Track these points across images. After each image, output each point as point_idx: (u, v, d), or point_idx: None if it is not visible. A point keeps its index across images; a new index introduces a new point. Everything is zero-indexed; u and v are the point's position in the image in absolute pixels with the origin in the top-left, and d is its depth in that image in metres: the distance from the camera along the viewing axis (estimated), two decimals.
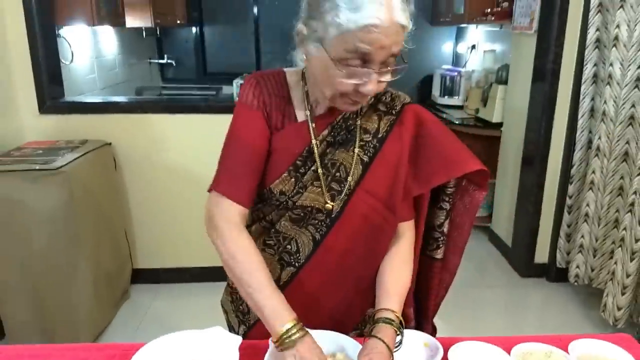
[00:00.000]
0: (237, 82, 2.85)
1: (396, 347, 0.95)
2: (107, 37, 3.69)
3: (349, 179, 1.02)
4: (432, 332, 1.22)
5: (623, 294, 2.39)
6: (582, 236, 2.72)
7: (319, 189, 1.02)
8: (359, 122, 1.05)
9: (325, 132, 1.03)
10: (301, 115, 1.04)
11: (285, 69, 1.09)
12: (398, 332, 0.97)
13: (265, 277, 0.96)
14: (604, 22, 2.51)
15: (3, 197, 2.11)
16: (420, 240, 1.13)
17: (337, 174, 1.02)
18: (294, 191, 1.02)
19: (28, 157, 2.28)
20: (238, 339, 0.97)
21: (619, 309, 2.41)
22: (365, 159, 1.03)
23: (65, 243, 2.21)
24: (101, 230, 2.47)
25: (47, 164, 2.15)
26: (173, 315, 2.69)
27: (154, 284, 2.92)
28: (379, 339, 0.93)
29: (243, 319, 1.15)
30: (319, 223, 1.03)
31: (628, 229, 2.35)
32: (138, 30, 4.18)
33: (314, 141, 1.02)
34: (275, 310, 0.93)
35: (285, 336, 0.90)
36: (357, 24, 0.84)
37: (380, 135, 1.05)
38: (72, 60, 3.01)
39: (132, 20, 3.43)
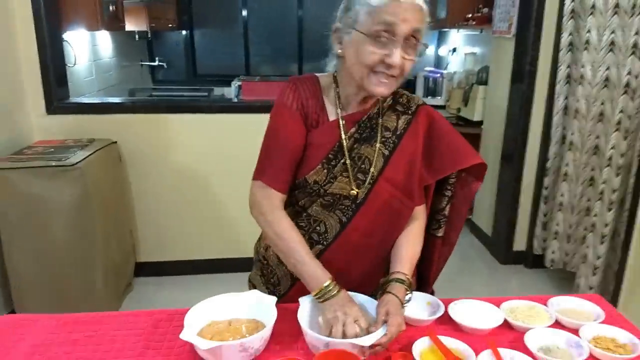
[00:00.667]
0: (235, 83, 3.01)
1: (406, 302, 1.13)
2: (104, 41, 3.81)
3: (372, 169, 1.19)
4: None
5: (594, 274, 2.62)
6: (557, 224, 2.95)
7: (347, 179, 1.18)
8: (380, 121, 1.21)
9: (353, 129, 1.19)
10: (332, 114, 1.20)
11: (317, 74, 1.25)
12: (408, 291, 1.15)
13: (305, 249, 1.15)
14: (576, 27, 2.74)
15: (21, 192, 2.23)
16: (425, 221, 1.31)
17: (362, 165, 1.19)
18: (326, 180, 1.18)
19: (41, 154, 2.40)
20: (274, 298, 1.14)
21: (590, 288, 2.64)
22: (386, 152, 1.20)
23: (80, 235, 2.34)
24: (109, 223, 2.60)
25: (62, 161, 2.29)
26: (176, 305, 2.81)
27: (156, 277, 3.05)
28: (394, 294, 1.11)
29: (273, 290, 1.32)
30: (346, 208, 1.20)
31: (598, 215, 2.58)
32: (131, 33, 4.30)
33: (343, 137, 1.18)
34: (316, 273, 1.12)
35: (325, 291, 1.09)
36: (384, 0, 1.03)
37: (398, 132, 1.22)
38: (75, 63, 3.13)
39: (130, 25, 3.57)
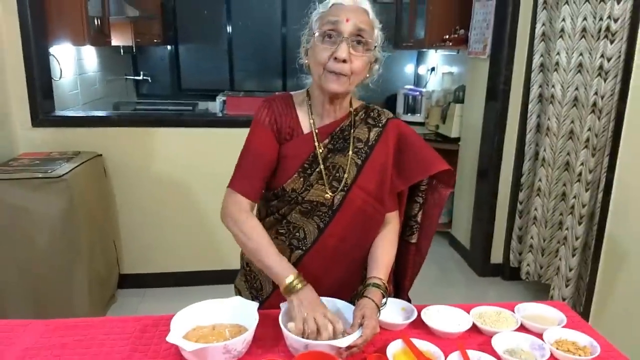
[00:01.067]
0: (220, 98, 3.08)
1: (382, 306, 1.21)
2: (89, 55, 3.85)
3: (346, 177, 1.28)
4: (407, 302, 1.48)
5: (567, 286, 2.72)
6: (532, 237, 3.05)
7: (322, 186, 1.27)
8: (353, 133, 1.31)
9: (326, 140, 1.29)
10: (306, 128, 1.29)
11: (292, 92, 1.35)
12: (384, 295, 1.22)
13: (271, 246, 1.22)
14: (547, 49, 2.88)
15: (6, 203, 2.26)
16: (400, 228, 1.40)
17: (337, 174, 1.28)
18: (303, 188, 1.27)
19: (27, 166, 2.44)
20: (255, 304, 1.20)
21: (563, 299, 2.73)
22: (359, 162, 1.29)
23: (64, 246, 2.37)
24: (94, 235, 2.63)
25: (48, 173, 2.32)
26: None
27: (140, 289, 3.08)
28: (370, 298, 1.18)
29: (256, 294, 1.39)
30: (323, 214, 1.29)
31: (570, 229, 2.69)
32: (117, 48, 4.35)
33: (317, 147, 1.27)
34: (281, 268, 1.19)
35: (290, 286, 1.16)
36: (328, 5, 1.21)
37: (370, 143, 1.31)
38: (60, 77, 3.17)
39: (116, 40, 3.62)
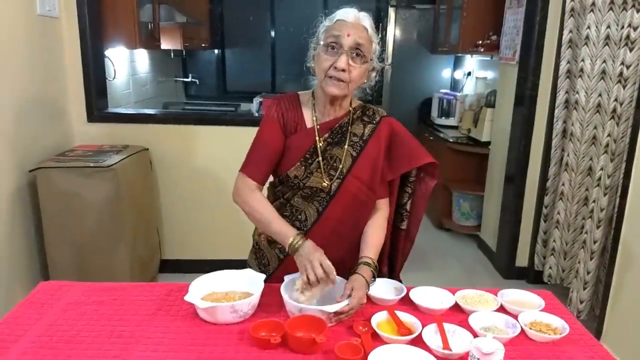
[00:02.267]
0: (257, 99, 3.30)
1: (372, 282, 1.36)
2: (141, 58, 4.17)
3: (342, 167, 1.45)
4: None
5: (585, 288, 2.77)
6: (554, 241, 3.10)
7: (321, 174, 1.45)
8: (350, 129, 1.48)
9: (326, 135, 1.47)
10: (309, 123, 1.48)
11: (299, 92, 1.54)
12: (373, 272, 1.38)
13: (274, 214, 1.42)
14: (574, 56, 2.93)
15: (61, 189, 2.54)
16: (392, 216, 1.57)
17: (334, 164, 1.46)
18: (304, 175, 1.45)
19: (81, 157, 2.72)
20: (263, 276, 1.39)
21: (581, 302, 2.78)
22: (354, 153, 1.46)
23: (110, 230, 2.63)
24: (138, 221, 2.89)
25: (99, 163, 2.59)
26: None
27: (178, 273, 3.33)
28: (360, 274, 1.35)
29: (264, 269, 1.57)
30: (322, 199, 1.47)
31: (589, 233, 2.74)
32: (167, 51, 4.67)
33: (317, 140, 1.45)
34: (283, 230, 1.39)
35: (292, 244, 1.35)
36: (333, 20, 1.38)
37: (364, 138, 1.48)
38: (114, 77, 3.48)
39: (166, 44, 3.91)
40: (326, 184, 1.45)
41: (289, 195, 1.49)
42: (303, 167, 1.45)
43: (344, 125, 1.48)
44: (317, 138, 1.45)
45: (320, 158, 1.44)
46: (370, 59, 1.40)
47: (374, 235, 1.48)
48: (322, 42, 1.38)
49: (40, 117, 2.70)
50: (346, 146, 1.46)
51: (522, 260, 3.50)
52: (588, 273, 2.74)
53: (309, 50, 1.46)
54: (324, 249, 1.45)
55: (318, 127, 1.46)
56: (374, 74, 1.45)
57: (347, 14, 1.37)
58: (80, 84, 3.03)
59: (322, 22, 1.42)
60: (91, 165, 2.57)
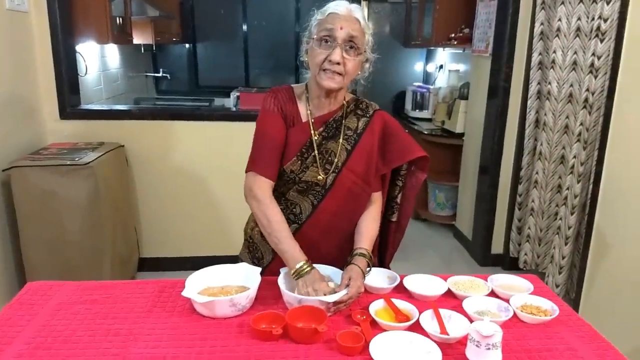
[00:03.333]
0: (234, 94, 3.27)
1: (367, 272, 1.38)
2: (112, 53, 4.08)
3: (337, 161, 1.46)
4: None
5: (560, 273, 2.86)
6: (529, 228, 3.19)
7: (317, 168, 1.45)
8: (344, 122, 1.49)
9: (321, 129, 1.46)
10: (304, 117, 1.47)
11: (293, 85, 1.53)
12: (369, 263, 1.40)
13: (288, 232, 1.40)
14: (545, 48, 3.01)
15: (37, 188, 2.48)
16: (383, 208, 1.58)
17: (329, 157, 1.46)
18: (300, 170, 1.45)
19: (56, 155, 2.65)
20: (259, 269, 1.39)
21: (557, 286, 2.88)
22: (349, 147, 1.47)
23: (89, 228, 2.58)
24: (116, 219, 2.83)
25: (75, 160, 2.53)
26: None
27: (157, 272, 3.29)
28: (356, 264, 1.37)
29: (258, 263, 1.57)
30: (317, 193, 1.47)
31: (563, 219, 2.83)
32: (138, 46, 4.58)
33: (313, 134, 1.45)
34: (294, 254, 1.36)
35: (299, 269, 1.33)
36: (325, 13, 1.38)
37: (358, 131, 1.49)
38: (86, 73, 3.39)
39: (137, 38, 3.84)
40: (322, 178, 1.45)
41: (284, 190, 1.49)
42: (299, 162, 1.45)
43: (337, 118, 1.48)
44: (312, 132, 1.45)
45: (316, 152, 1.45)
46: (364, 51, 1.40)
47: (369, 227, 1.50)
48: (315, 36, 1.37)
49: (11, 115, 2.62)
50: (341, 140, 1.47)
51: (497, 247, 3.59)
52: (563, 258, 2.84)
53: (302, 45, 1.45)
54: (318, 242, 1.46)
55: (313, 121, 1.46)
56: (367, 65, 1.45)
57: (339, 6, 1.37)
58: (52, 80, 2.96)
59: (314, 15, 1.41)
60: (67, 163, 2.51)
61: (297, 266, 1.34)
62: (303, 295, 1.29)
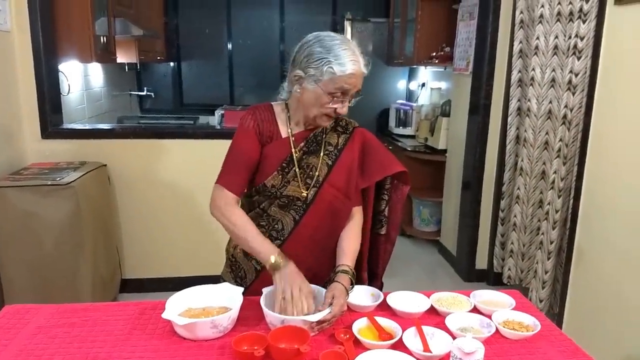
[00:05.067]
0: (219, 112, 3.28)
1: (350, 289, 1.38)
2: (95, 72, 4.07)
3: (318, 175, 1.47)
4: (381, 287, 1.69)
5: (543, 288, 2.88)
6: (512, 243, 3.21)
7: (297, 183, 1.46)
8: (324, 138, 1.51)
9: (302, 144, 1.48)
10: (284, 133, 1.49)
11: (272, 103, 1.54)
12: (351, 279, 1.40)
13: (255, 231, 1.42)
14: (524, 66, 3.06)
15: (18, 208, 2.45)
16: (370, 222, 1.60)
17: (310, 172, 1.47)
18: (281, 184, 1.46)
19: (37, 175, 2.62)
20: (240, 289, 1.38)
21: (540, 301, 2.89)
22: (329, 162, 1.49)
23: (70, 249, 2.55)
24: (98, 240, 2.80)
25: (57, 180, 2.51)
26: None
27: (140, 293, 3.24)
28: (339, 282, 1.37)
29: (241, 282, 1.56)
30: (298, 208, 1.48)
31: (545, 234, 2.86)
32: (121, 64, 4.57)
33: (293, 151, 1.46)
34: (266, 249, 1.38)
35: (274, 264, 1.35)
36: (345, 73, 1.34)
37: (339, 147, 1.51)
38: (68, 92, 3.38)
39: (121, 57, 3.84)
40: (304, 193, 1.46)
41: (266, 205, 1.50)
42: (280, 176, 1.46)
43: (318, 134, 1.50)
44: (292, 148, 1.46)
45: (296, 167, 1.46)
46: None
47: (350, 243, 1.51)
48: (324, 88, 1.36)
49: None
50: (322, 155, 1.49)
51: (481, 263, 3.61)
52: (546, 273, 2.86)
53: (296, 77, 1.40)
54: (301, 256, 1.46)
55: (293, 138, 1.48)
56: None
57: (355, 65, 1.35)
58: (34, 99, 2.94)
59: (325, 64, 1.34)
60: (49, 183, 2.49)
61: (272, 260, 1.36)
62: (283, 293, 1.31)
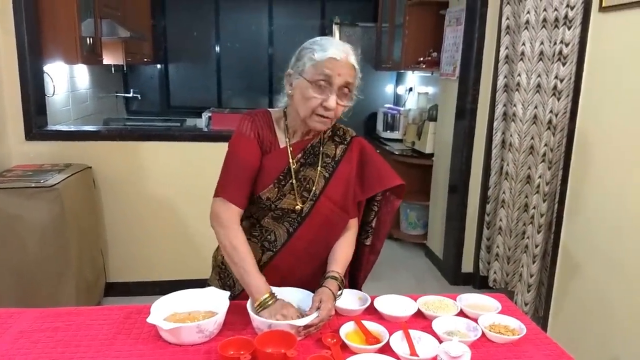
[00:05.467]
0: (206, 114, 3.26)
1: (338, 295, 1.38)
2: (81, 73, 4.03)
3: (314, 188, 1.44)
4: None
5: (529, 291, 2.90)
6: (498, 246, 3.24)
7: (294, 196, 1.43)
8: (322, 149, 1.47)
9: (299, 155, 1.45)
10: (282, 142, 1.45)
11: (270, 109, 1.50)
12: (340, 286, 1.40)
13: (253, 263, 1.37)
14: (510, 71, 3.10)
15: (1, 211, 2.41)
16: (357, 231, 1.57)
17: (307, 185, 1.44)
18: (277, 197, 1.43)
19: (21, 177, 2.58)
20: (227, 293, 1.37)
21: (525, 304, 2.91)
22: (326, 174, 1.46)
23: (54, 252, 2.51)
24: (83, 243, 2.76)
25: (41, 182, 2.48)
26: None
27: (124, 297, 3.20)
28: (327, 287, 1.36)
29: (230, 290, 1.52)
30: (293, 220, 1.45)
31: (530, 238, 2.88)
32: (108, 66, 4.54)
33: (291, 162, 1.43)
34: (258, 286, 1.34)
35: (263, 302, 1.31)
36: (324, 57, 1.31)
37: (337, 159, 1.48)
38: (53, 94, 3.34)
39: (108, 59, 3.80)
40: (299, 206, 1.43)
41: (259, 215, 1.47)
42: (276, 189, 1.42)
43: (315, 145, 1.47)
44: (290, 159, 1.43)
45: (294, 180, 1.42)
46: (356, 95, 1.40)
47: (342, 252, 1.49)
48: (308, 77, 1.33)
49: None
50: (319, 167, 1.45)
51: (467, 266, 3.63)
52: (531, 276, 2.88)
53: (287, 76, 1.40)
54: (292, 270, 1.45)
55: (291, 148, 1.44)
56: (350, 104, 1.42)
57: (338, 51, 1.32)
58: (18, 100, 2.90)
59: (308, 52, 1.34)
60: (32, 185, 2.45)
61: (262, 298, 1.32)
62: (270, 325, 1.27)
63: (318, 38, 1.38)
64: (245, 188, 1.41)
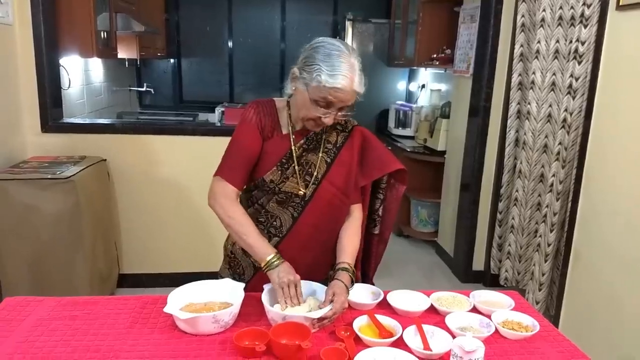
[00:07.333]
0: (219, 109, 3.27)
1: (350, 286, 1.39)
2: (96, 67, 4.06)
3: (316, 173, 1.48)
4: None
5: (540, 290, 2.89)
6: (510, 245, 3.23)
7: (296, 180, 1.47)
8: (324, 136, 1.51)
9: (302, 141, 1.48)
10: (285, 129, 1.49)
11: (274, 99, 1.54)
12: (351, 277, 1.41)
13: (253, 227, 1.43)
14: (525, 69, 3.08)
15: (17, 201, 2.44)
16: (365, 222, 1.60)
17: (309, 169, 1.48)
18: (280, 180, 1.46)
19: (37, 168, 2.62)
20: (242, 285, 1.39)
21: (537, 303, 2.90)
22: (328, 160, 1.50)
23: (69, 243, 2.55)
24: (97, 234, 2.80)
25: (57, 174, 2.51)
26: None
27: (137, 288, 3.24)
28: (339, 280, 1.37)
29: (239, 279, 1.56)
30: (297, 205, 1.48)
31: (543, 236, 2.87)
32: (122, 60, 4.57)
33: (293, 147, 1.47)
34: (262, 247, 1.39)
35: (269, 262, 1.36)
36: (331, 84, 1.31)
37: (338, 145, 1.52)
38: (69, 87, 3.37)
39: (122, 53, 3.83)
40: (302, 191, 1.47)
41: (264, 201, 1.50)
42: (279, 172, 1.46)
43: (318, 132, 1.50)
44: (292, 145, 1.47)
45: (295, 164, 1.46)
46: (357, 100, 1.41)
47: (350, 241, 1.51)
48: (310, 94, 1.35)
49: None
50: (320, 153, 1.49)
51: (478, 264, 3.62)
52: (543, 275, 2.87)
53: (293, 74, 1.41)
54: (299, 254, 1.46)
55: (293, 135, 1.48)
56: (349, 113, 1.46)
57: (346, 79, 1.31)
58: (35, 93, 2.93)
59: (317, 69, 1.32)
60: (49, 176, 2.48)
61: (268, 259, 1.37)
62: (279, 286, 1.33)
63: (329, 45, 1.35)
64: (241, 170, 1.46)
